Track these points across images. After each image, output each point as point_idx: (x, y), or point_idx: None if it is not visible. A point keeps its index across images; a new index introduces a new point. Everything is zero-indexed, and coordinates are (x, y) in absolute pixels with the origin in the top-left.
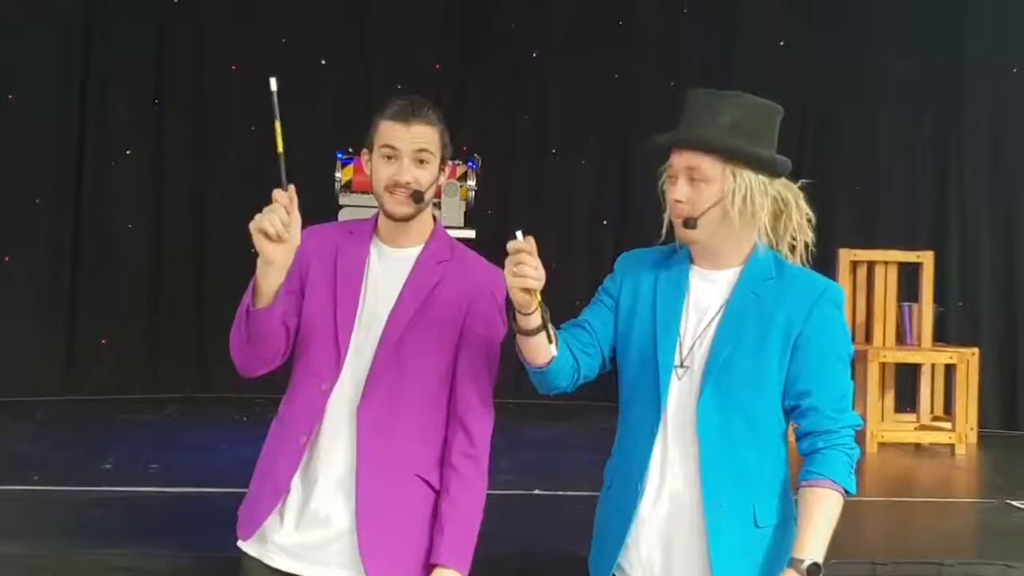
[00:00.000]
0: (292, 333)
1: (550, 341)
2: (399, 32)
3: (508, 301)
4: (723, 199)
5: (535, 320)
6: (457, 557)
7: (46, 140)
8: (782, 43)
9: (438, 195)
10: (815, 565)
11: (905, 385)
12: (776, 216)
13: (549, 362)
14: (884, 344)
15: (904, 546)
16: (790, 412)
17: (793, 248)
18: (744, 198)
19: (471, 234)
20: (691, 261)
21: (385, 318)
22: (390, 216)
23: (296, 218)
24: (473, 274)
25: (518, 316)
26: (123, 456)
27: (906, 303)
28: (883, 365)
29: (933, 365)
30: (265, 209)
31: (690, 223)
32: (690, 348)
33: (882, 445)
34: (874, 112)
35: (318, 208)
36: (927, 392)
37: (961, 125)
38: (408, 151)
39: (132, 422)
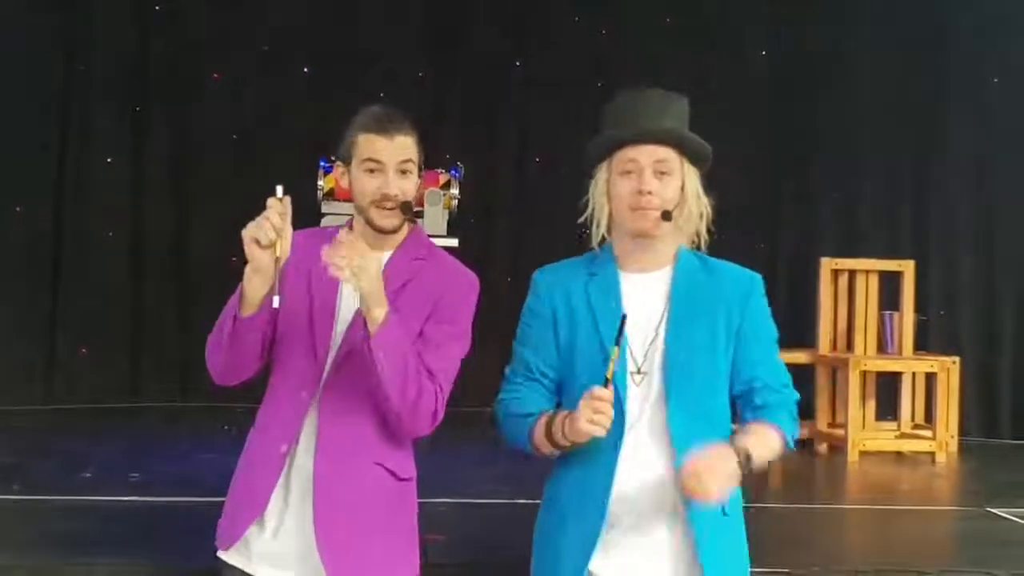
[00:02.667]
0: (269, 341)
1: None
2: (382, 40)
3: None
4: (684, 195)
5: (573, 446)
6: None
7: (25, 147)
8: (764, 52)
9: (419, 203)
10: (747, 453)
11: (886, 394)
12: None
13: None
14: (865, 353)
15: (885, 554)
16: (740, 396)
17: (691, 242)
18: (696, 193)
19: (454, 242)
20: (616, 265)
21: (351, 318)
22: (379, 229)
23: (288, 229)
24: (446, 272)
25: (561, 438)
26: (103, 466)
27: (887, 312)
28: (864, 374)
29: (914, 374)
30: (258, 217)
31: (668, 215)
32: (645, 354)
33: (863, 453)
34: (855, 121)
35: (300, 216)
36: (908, 401)
37: (943, 134)
38: (392, 163)
39: (112, 431)
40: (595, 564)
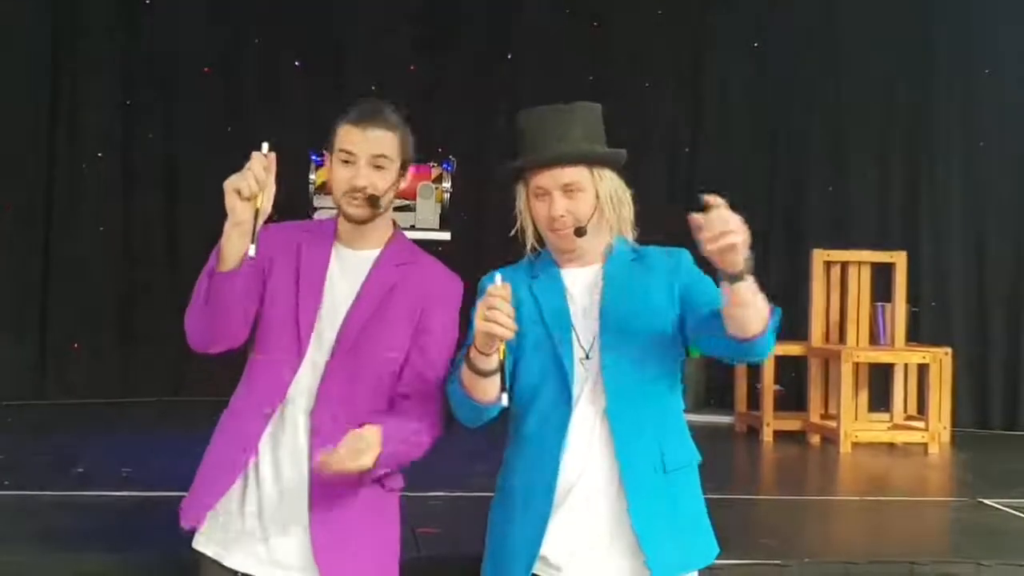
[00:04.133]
0: (251, 319)
1: (503, 386)
2: (373, 33)
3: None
4: (599, 203)
5: (493, 361)
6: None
7: (15, 143)
8: (756, 44)
9: (406, 196)
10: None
11: (878, 385)
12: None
13: (492, 402)
14: (857, 344)
15: (877, 545)
16: (703, 328)
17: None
18: (614, 198)
19: (446, 236)
20: (556, 264)
21: (342, 319)
22: (348, 219)
23: (271, 183)
24: (430, 277)
25: (474, 354)
26: (95, 460)
27: (879, 303)
28: (856, 365)
29: (906, 365)
30: (242, 169)
31: (581, 231)
32: (591, 340)
33: (855, 445)
34: (846, 113)
35: (292, 209)
36: (900, 392)
37: (933, 126)
38: (364, 156)
39: (105, 426)
40: (546, 548)
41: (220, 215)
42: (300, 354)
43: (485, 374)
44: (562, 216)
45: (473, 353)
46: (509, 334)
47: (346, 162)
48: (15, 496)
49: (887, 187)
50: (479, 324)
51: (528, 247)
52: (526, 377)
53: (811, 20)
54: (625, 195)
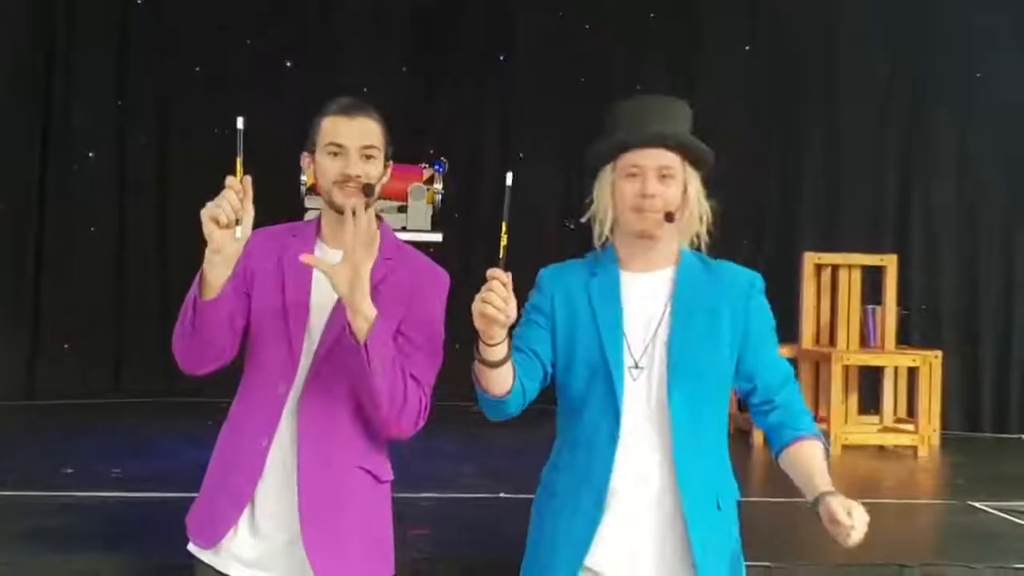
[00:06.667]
0: (239, 334)
1: (511, 375)
2: (365, 34)
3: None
4: (686, 198)
5: (499, 352)
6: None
7: (7, 142)
8: (747, 47)
9: (398, 197)
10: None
11: (868, 387)
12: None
13: (507, 393)
14: (848, 347)
15: (867, 548)
16: (747, 393)
17: (691, 243)
18: (698, 196)
19: (438, 237)
20: (619, 265)
21: (327, 316)
22: (339, 209)
23: (249, 209)
24: (417, 270)
25: (481, 346)
26: (85, 461)
27: (870, 306)
28: (846, 367)
29: (896, 368)
30: (217, 196)
31: (671, 216)
32: (644, 349)
33: (845, 447)
34: (838, 116)
35: (283, 211)
36: (890, 394)
37: (924, 128)
38: (354, 147)
39: (95, 427)
40: (591, 559)
41: None
42: (294, 364)
43: (492, 365)
44: (654, 196)
45: (480, 344)
46: (503, 318)
47: (335, 154)
48: (5, 496)
49: (878, 190)
50: (475, 307)
51: (600, 236)
52: (575, 380)
53: (804, 22)
54: (705, 202)
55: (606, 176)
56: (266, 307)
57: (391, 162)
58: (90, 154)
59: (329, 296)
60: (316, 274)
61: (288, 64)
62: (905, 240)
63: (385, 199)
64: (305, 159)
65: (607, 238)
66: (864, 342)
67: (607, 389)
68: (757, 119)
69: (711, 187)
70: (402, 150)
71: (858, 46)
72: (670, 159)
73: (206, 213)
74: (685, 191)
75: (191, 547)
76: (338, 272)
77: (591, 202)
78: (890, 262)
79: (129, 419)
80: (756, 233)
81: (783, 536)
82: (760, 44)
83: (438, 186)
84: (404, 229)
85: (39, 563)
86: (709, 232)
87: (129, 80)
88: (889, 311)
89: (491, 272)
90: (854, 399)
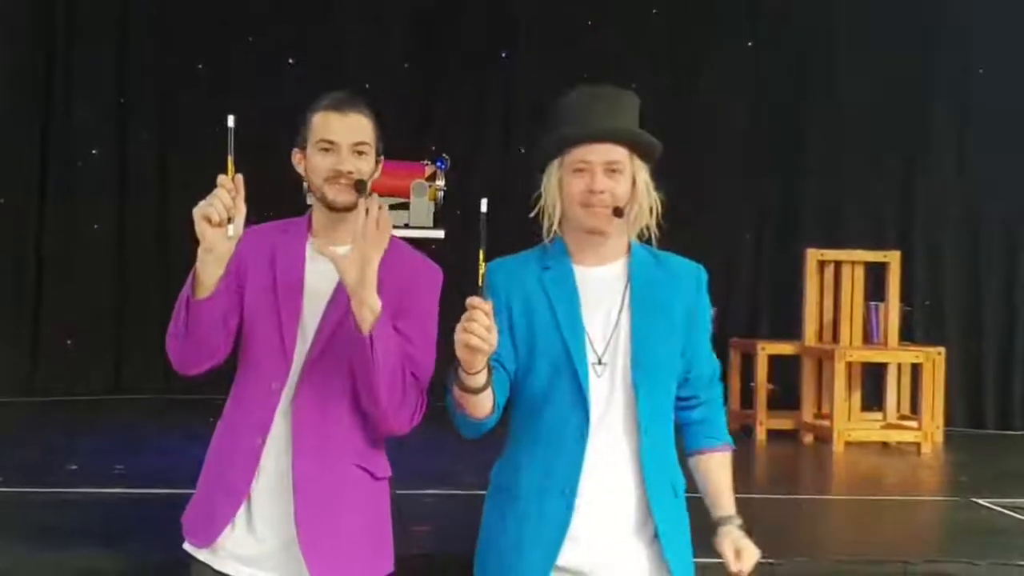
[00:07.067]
0: (233, 333)
1: (492, 395)
2: (366, 30)
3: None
4: (635, 191)
5: (479, 380)
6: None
7: (10, 140)
8: (750, 44)
9: (405, 194)
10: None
11: (872, 384)
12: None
13: (489, 413)
14: (851, 343)
15: (870, 544)
16: (678, 384)
17: (640, 235)
18: (647, 188)
19: (440, 234)
20: (570, 259)
21: (321, 313)
22: (331, 205)
23: (241, 208)
24: (410, 266)
25: (463, 374)
26: (89, 458)
27: (873, 302)
28: (849, 364)
29: (899, 364)
30: (209, 195)
31: (619, 212)
32: (606, 345)
33: (848, 444)
34: (841, 112)
35: (286, 208)
36: (893, 391)
37: (927, 125)
38: (346, 143)
39: (98, 423)
40: (563, 559)
41: None
42: (287, 361)
43: (474, 391)
44: (603, 192)
45: (460, 371)
46: (487, 347)
47: (326, 150)
48: (8, 493)
49: (881, 186)
50: (457, 337)
51: (548, 230)
52: (536, 378)
53: (806, 18)
54: (654, 193)
55: (553, 171)
56: (258, 305)
57: (382, 157)
58: (93, 151)
59: (321, 294)
60: (308, 272)
61: (290, 61)
62: (908, 236)
63: (387, 195)
64: (296, 155)
65: (555, 232)
66: (867, 339)
67: (573, 386)
68: (759, 113)
69: (706, 180)
70: (404, 147)
71: (860, 39)
72: (618, 153)
73: (198, 212)
74: (634, 184)
75: (187, 546)
76: (347, 263)
77: (539, 196)
78: (893, 258)
79: (131, 416)
80: (758, 229)
81: (786, 532)
82: (763, 40)
83: (440, 183)
84: (406, 226)
85: (41, 559)
86: (659, 224)
87: (130, 77)
88: (892, 307)
89: (471, 301)
90: (857, 396)
